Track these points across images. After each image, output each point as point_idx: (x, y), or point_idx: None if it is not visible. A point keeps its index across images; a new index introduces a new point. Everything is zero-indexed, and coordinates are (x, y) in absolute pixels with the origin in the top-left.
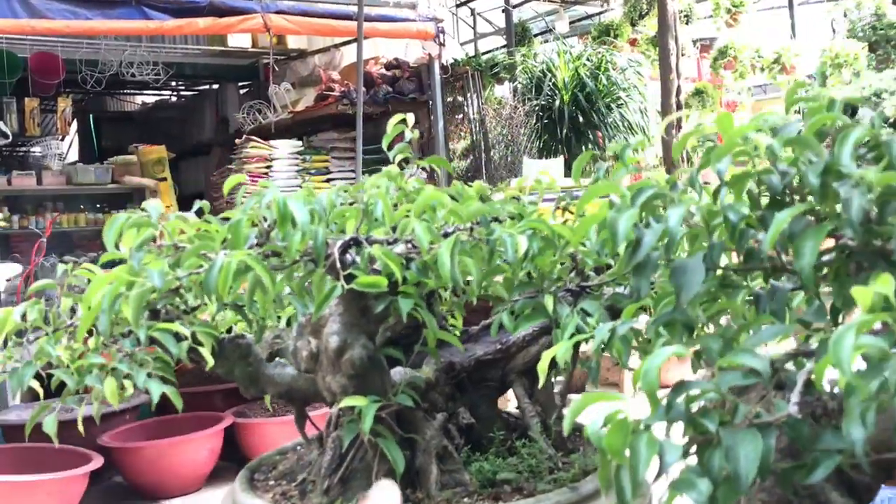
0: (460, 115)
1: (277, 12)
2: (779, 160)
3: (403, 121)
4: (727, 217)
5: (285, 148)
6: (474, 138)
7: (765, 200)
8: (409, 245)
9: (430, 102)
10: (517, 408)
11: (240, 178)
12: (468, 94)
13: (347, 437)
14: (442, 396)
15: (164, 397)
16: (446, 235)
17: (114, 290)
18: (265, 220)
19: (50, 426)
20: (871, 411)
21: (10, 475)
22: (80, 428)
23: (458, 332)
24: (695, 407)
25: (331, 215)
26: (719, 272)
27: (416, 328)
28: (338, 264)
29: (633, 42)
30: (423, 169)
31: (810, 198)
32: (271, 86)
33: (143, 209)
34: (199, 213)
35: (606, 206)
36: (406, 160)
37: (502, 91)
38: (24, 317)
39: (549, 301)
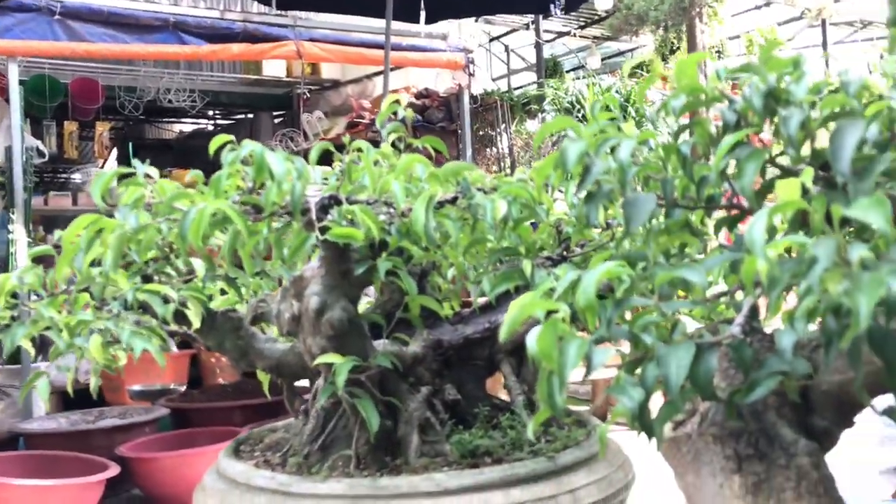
0: (490, 148)
1: (310, 40)
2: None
3: (397, 101)
4: (679, 151)
5: (314, 174)
6: (502, 168)
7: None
8: (391, 209)
9: (459, 131)
10: (504, 386)
11: (225, 137)
12: (497, 127)
13: (323, 396)
14: (429, 372)
15: (182, 416)
16: None
17: (91, 231)
18: (248, 179)
19: (43, 391)
20: (802, 320)
21: (28, 479)
22: (70, 388)
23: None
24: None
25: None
26: (682, 215)
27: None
28: (314, 217)
29: (664, 78)
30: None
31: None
32: (303, 114)
33: (132, 167)
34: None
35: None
36: (399, 139)
37: (533, 126)
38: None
39: (526, 266)
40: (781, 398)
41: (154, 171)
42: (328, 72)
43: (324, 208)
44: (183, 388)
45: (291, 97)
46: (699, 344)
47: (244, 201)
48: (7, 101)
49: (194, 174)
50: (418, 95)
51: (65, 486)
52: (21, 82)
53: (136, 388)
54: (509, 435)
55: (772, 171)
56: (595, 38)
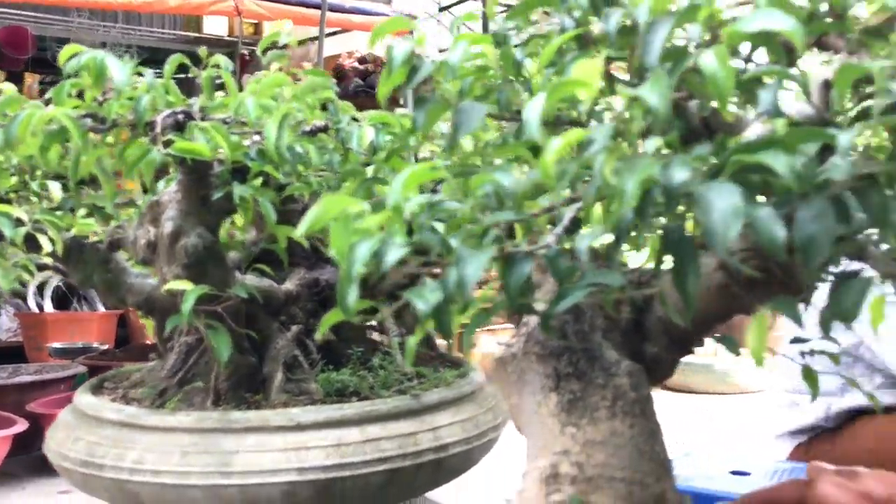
0: None
1: None
2: None
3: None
4: (513, 57)
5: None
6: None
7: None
8: (248, 129)
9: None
10: (382, 329)
11: (77, 47)
12: None
13: (170, 324)
14: (303, 312)
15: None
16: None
17: None
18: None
19: None
20: (597, 222)
21: None
22: None
23: None
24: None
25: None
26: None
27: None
28: (159, 132)
29: None
30: None
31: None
32: (245, 75)
33: None
34: None
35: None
36: (280, 68)
37: None
38: None
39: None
40: (612, 322)
41: (9, 85)
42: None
43: (177, 125)
44: (106, 347)
45: (233, 57)
46: (512, 252)
47: (87, 113)
48: None
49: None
50: (361, 60)
51: None
52: None
53: (57, 345)
54: (380, 375)
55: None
56: (545, 12)
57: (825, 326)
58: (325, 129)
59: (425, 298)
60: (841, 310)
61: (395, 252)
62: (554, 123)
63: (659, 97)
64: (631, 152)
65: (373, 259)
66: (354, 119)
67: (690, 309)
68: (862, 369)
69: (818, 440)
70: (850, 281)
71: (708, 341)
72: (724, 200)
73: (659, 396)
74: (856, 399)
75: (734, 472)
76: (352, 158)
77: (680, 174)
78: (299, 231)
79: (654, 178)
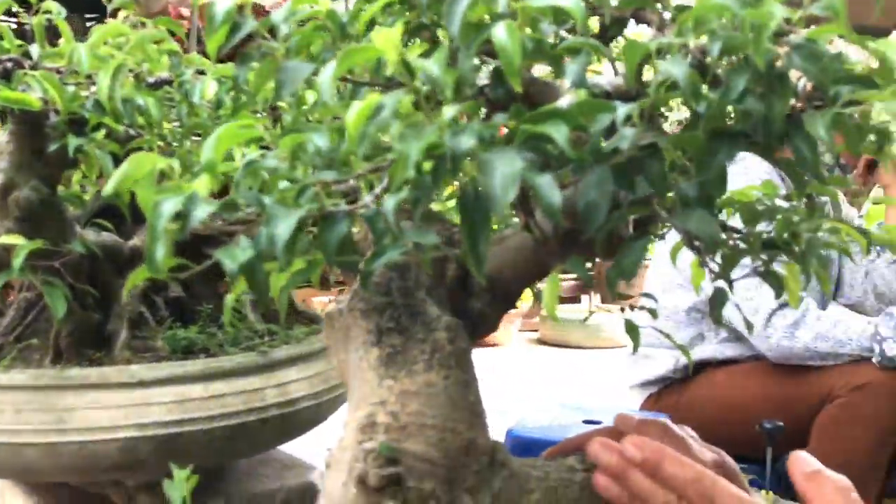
0: None
1: None
2: None
3: None
4: (337, 17)
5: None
6: None
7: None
8: (83, 80)
9: None
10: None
11: None
12: None
13: (0, 279)
14: None
15: None
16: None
17: None
18: None
19: None
20: (395, 182)
21: None
22: None
23: None
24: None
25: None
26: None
27: None
28: None
29: None
30: None
31: None
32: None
33: None
34: None
35: None
36: (127, 17)
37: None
38: None
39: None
40: (437, 280)
41: None
42: None
43: (4, 73)
44: None
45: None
46: (332, 212)
47: None
48: None
49: None
50: (254, 8)
51: None
52: None
53: None
54: (230, 332)
55: None
56: None
57: (610, 285)
58: (169, 82)
59: (233, 257)
60: (622, 269)
61: (202, 210)
62: (385, 86)
63: (440, 68)
64: (429, 119)
65: (180, 217)
66: (201, 72)
67: (481, 269)
68: (709, 324)
69: (667, 391)
70: (632, 243)
71: (584, 297)
72: (505, 166)
73: (537, 351)
74: (702, 352)
75: (587, 421)
76: (197, 112)
77: (466, 141)
78: (107, 189)
79: (441, 143)
